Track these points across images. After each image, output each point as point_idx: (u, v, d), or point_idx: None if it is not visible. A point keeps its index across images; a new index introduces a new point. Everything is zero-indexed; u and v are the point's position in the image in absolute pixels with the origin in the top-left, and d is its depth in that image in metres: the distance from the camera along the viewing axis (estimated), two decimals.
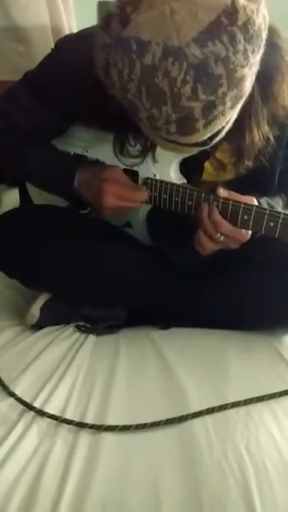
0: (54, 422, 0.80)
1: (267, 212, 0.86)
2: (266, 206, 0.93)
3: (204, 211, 0.90)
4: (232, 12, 0.62)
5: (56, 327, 1.08)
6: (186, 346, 1.02)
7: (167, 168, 0.97)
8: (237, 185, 0.96)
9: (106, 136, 0.99)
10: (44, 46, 1.32)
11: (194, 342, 1.04)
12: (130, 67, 0.64)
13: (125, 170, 0.99)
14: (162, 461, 0.73)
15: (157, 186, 0.97)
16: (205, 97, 0.64)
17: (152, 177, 0.99)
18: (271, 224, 0.86)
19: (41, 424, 0.79)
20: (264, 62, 0.69)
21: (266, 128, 0.87)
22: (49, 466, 0.72)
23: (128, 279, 1.07)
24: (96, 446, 0.75)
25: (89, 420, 0.80)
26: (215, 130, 0.70)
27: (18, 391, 0.85)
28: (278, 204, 0.99)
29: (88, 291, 1.08)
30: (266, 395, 0.85)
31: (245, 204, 0.88)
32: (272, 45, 0.73)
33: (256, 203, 0.90)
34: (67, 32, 1.43)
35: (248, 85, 0.68)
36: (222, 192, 0.90)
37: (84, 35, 0.92)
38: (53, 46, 1.01)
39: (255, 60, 0.66)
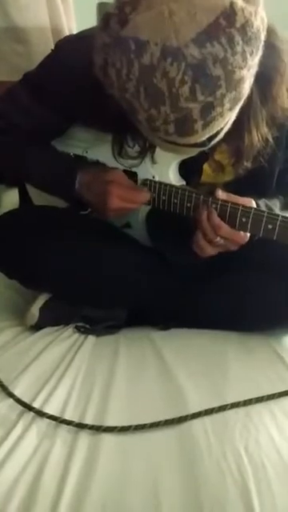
0: (54, 422, 0.80)
1: (265, 214, 0.86)
2: (264, 207, 0.93)
3: (203, 215, 0.90)
4: (230, 14, 0.62)
5: (55, 328, 1.08)
6: (186, 347, 1.02)
7: (166, 169, 0.97)
8: (236, 186, 0.96)
9: (106, 137, 1.00)
10: (44, 47, 1.32)
11: (193, 343, 1.04)
12: (128, 67, 0.65)
13: (124, 171, 0.99)
14: (162, 461, 0.73)
15: (156, 188, 0.98)
16: (203, 98, 0.64)
17: (151, 178, 0.99)
18: (269, 226, 0.86)
19: (40, 424, 0.79)
20: (263, 64, 0.69)
21: (264, 129, 0.87)
22: (48, 467, 0.72)
23: (128, 280, 1.07)
24: (95, 446, 0.75)
25: (88, 420, 0.80)
26: (214, 132, 0.70)
27: (17, 392, 0.85)
28: (275, 205, 0.99)
29: (88, 292, 1.08)
30: (265, 396, 0.85)
31: (243, 206, 0.88)
32: (270, 46, 0.73)
33: (254, 205, 0.90)
34: (67, 33, 1.43)
35: (247, 87, 0.68)
36: (221, 194, 0.90)
37: (84, 36, 0.93)
38: (52, 47, 1.02)
39: (254, 62, 0.66)
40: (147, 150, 0.97)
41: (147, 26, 0.63)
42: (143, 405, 0.84)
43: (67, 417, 0.81)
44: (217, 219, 0.89)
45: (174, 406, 0.83)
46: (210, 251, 0.92)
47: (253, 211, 0.87)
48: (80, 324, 1.09)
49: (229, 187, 0.94)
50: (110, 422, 0.80)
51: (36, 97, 0.98)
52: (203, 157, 0.92)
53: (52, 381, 0.89)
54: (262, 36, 0.66)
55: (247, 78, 0.66)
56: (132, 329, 1.10)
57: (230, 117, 0.72)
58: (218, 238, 0.90)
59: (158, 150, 0.96)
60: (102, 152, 1.03)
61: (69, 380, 0.90)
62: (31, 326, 1.07)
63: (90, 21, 1.14)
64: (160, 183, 0.97)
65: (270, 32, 0.73)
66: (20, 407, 0.82)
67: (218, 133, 0.72)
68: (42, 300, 1.09)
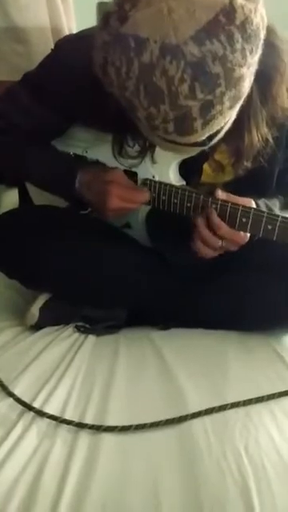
0: (54, 422, 0.80)
1: (265, 215, 0.86)
2: (263, 207, 0.93)
3: (202, 220, 0.90)
4: (230, 11, 0.62)
5: (55, 327, 1.08)
6: (186, 347, 1.02)
7: (166, 169, 0.97)
8: (235, 186, 0.96)
9: (106, 137, 0.99)
10: (44, 47, 1.32)
11: (193, 343, 1.04)
12: (127, 65, 0.64)
13: (124, 171, 0.99)
14: (162, 461, 0.73)
15: (156, 188, 0.97)
16: (202, 96, 0.64)
17: (151, 178, 0.99)
18: (269, 227, 0.86)
19: (40, 424, 0.79)
20: (262, 63, 0.69)
21: (264, 129, 0.87)
22: (48, 467, 0.72)
23: (128, 280, 1.07)
24: (95, 446, 0.75)
25: (88, 420, 0.80)
26: (214, 130, 0.70)
27: (17, 391, 0.85)
28: (275, 205, 0.99)
29: (89, 291, 1.08)
30: (265, 396, 0.85)
31: (243, 207, 0.88)
32: (270, 45, 0.73)
33: (254, 205, 0.90)
34: (67, 33, 1.43)
35: (246, 85, 0.67)
36: (221, 194, 0.90)
37: (84, 36, 0.93)
38: (52, 47, 1.02)
39: (253, 60, 0.66)
40: (147, 150, 0.96)
41: (146, 24, 0.63)
42: (143, 405, 0.84)
43: (67, 416, 0.81)
44: (216, 218, 0.89)
45: (174, 405, 0.83)
46: (210, 254, 0.92)
47: (253, 211, 0.87)
48: (80, 324, 1.09)
49: (229, 187, 0.94)
50: (110, 422, 0.80)
51: (36, 97, 0.98)
52: (203, 157, 0.92)
53: (52, 380, 0.89)
54: (262, 34, 0.66)
55: (247, 76, 0.66)
56: (132, 329, 1.10)
57: (230, 115, 0.72)
58: (220, 242, 0.90)
59: (158, 149, 0.95)
60: (102, 152, 1.03)
61: (69, 380, 0.90)
62: (31, 326, 1.07)
63: (90, 21, 1.13)
64: (160, 183, 0.97)
65: (270, 31, 0.72)
66: (20, 407, 0.82)
67: (217, 132, 0.72)
68: (42, 300, 1.09)
